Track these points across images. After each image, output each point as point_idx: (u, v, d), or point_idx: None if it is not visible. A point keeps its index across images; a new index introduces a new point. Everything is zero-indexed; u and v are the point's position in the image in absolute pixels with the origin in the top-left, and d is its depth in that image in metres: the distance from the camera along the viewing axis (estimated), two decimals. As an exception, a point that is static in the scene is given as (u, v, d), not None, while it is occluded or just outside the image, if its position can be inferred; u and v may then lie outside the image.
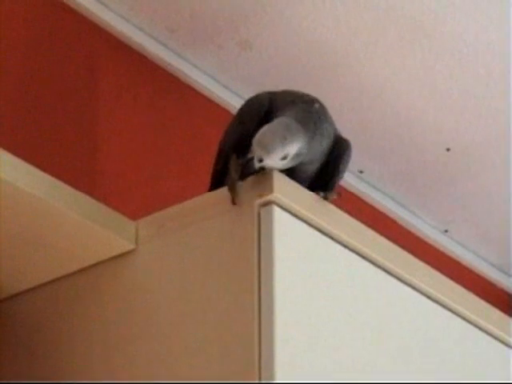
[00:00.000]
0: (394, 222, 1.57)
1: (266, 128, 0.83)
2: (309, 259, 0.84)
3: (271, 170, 0.81)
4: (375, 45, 1.23)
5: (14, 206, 0.80)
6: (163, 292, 0.87)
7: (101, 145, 1.13)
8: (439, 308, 0.99)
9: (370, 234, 0.93)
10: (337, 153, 0.92)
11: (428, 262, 0.98)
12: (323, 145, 0.87)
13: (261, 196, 0.80)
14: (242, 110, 0.96)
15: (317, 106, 0.89)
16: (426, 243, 1.63)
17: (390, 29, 1.21)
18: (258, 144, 0.81)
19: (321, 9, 1.17)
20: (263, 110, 0.89)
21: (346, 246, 0.88)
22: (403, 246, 0.95)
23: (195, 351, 0.81)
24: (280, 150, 0.81)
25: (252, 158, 0.80)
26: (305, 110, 0.88)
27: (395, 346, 0.93)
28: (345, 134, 0.92)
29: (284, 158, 0.80)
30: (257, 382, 0.75)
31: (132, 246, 0.87)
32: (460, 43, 1.23)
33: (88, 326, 0.90)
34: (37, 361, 0.93)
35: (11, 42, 1.06)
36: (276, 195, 0.79)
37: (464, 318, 1.01)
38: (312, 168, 0.88)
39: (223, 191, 0.85)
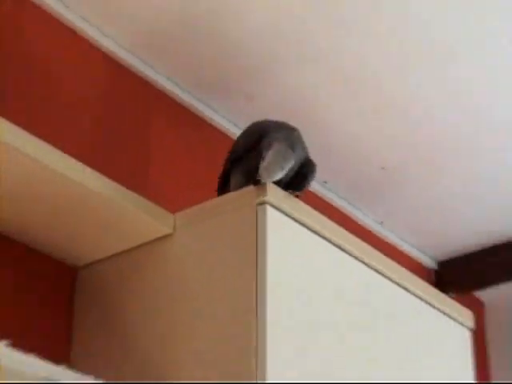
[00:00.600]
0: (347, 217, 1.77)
1: (270, 158, 1.02)
2: (290, 241, 1.04)
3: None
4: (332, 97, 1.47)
5: (88, 202, 1.02)
6: (191, 267, 1.06)
7: (154, 172, 1.37)
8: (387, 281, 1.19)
9: (332, 225, 1.12)
10: (306, 170, 1.12)
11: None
12: (298, 162, 1.08)
13: (258, 198, 1.01)
14: (240, 137, 1.17)
15: (296, 133, 1.11)
16: (367, 231, 1.82)
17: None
18: (264, 171, 1.01)
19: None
20: (253, 140, 1.10)
21: (315, 232, 1.07)
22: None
23: (210, 313, 1.00)
24: (278, 176, 1.03)
25: (259, 181, 1.01)
26: (289, 135, 1.08)
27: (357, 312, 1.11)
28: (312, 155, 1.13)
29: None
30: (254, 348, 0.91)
31: (171, 231, 1.08)
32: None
33: (140, 292, 1.09)
34: (109, 315, 1.10)
35: (84, 96, 1.30)
36: (269, 198, 1.01)
37: (398, 284, 1.22)
38: (289, 176, 1.08)
39: (233, 194, 1.07)
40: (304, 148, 1.11)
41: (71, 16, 1.27)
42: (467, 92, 1.48)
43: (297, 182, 1.12)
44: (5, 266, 1.08)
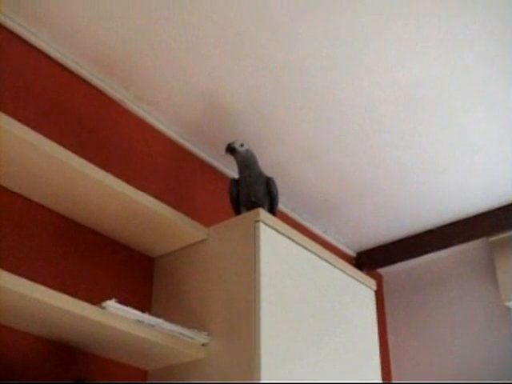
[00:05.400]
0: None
1: None
2: (274, 245, 1.58)
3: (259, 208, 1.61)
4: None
5: (163, 224, 1.62)
6: (217, 259, 1.58)
7: (199, 207, 2.00)
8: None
9: (297, 233, 1.68)
10: (272, 190, 1.79)
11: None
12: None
13: (255, 218, 1.57)
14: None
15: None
16: (313, 235, 2.45)
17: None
18: None
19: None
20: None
21: (288, 237, 1.65)
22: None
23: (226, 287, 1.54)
24: None
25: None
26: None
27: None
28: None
29: None
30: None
31: (206, 237, 1.67)
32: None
33: (188, 273, 1.63)
34: (177, 297, 1.63)
35: (155, 157, 1.92)
36: (261, 217, 1.57)
37: (334, 266, 1.80)
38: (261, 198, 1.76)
39: (240, 216, 1.64)
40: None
41: (143, 113, 1.96)
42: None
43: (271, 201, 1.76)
44: (104, 256, 1.70)
